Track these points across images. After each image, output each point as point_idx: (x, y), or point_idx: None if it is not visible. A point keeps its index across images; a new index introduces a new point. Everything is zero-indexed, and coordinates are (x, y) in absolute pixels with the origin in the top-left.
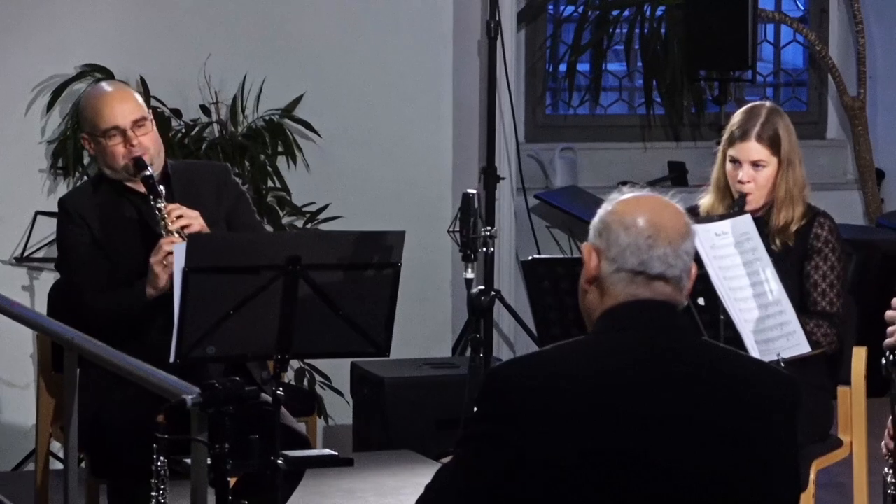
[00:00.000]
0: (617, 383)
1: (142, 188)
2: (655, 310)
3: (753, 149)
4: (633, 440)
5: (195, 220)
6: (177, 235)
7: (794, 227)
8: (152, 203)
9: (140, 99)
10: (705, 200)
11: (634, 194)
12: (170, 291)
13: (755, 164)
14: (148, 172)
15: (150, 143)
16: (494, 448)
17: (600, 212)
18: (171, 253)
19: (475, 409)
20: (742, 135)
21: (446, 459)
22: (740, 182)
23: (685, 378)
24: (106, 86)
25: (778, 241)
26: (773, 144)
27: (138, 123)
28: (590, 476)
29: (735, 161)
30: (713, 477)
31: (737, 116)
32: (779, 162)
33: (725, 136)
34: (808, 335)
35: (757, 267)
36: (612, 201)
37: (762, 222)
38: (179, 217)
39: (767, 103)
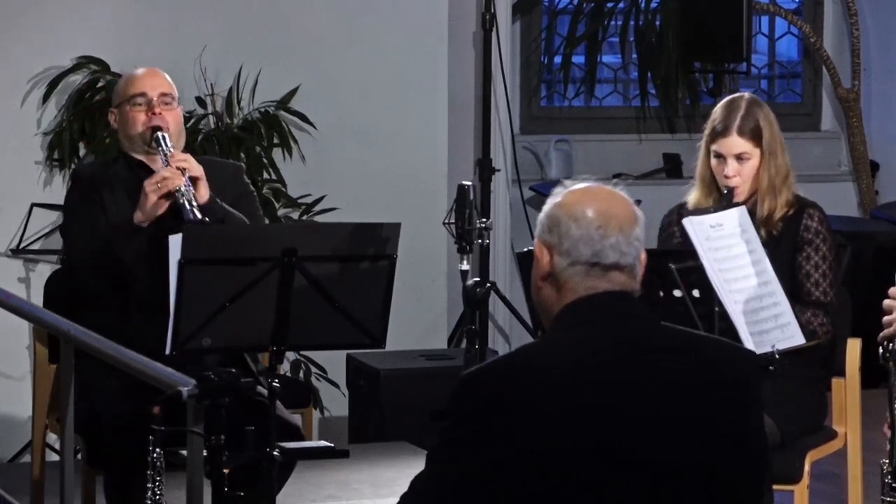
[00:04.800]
0: (595, 377)
1: (157, 165)
2: (616, 300)
3: (736, 143)
4: (613, 433)
5: (197, 169)
6: (175, 169)
7: (777, 216)
8: (161, 155)
9: (173, 84)
10: (692, 196)
11: (580, 186)
12: (167, 284)
13: (739, 158)
14: (162, 133)
15: (171, 121)
16: (473, 450)
17: (546, 207)
18: (166, 178)
19: (447, 417)
20: (723, 130)
21: None
22: (726, 177)
23: (653, 367)
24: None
25: (763, 231)
26: (755, 136)
27: (164, 99)
28: (570, 471)
29: (719, 156)
30: (694, 462)
31: (717, 112)
32: (761, 153)
33: (707, 131)
34: (805, 325)
35: (751, 259)
36: (558, 195)
37: (750, 213)
38: (184, 161)
39: (746, 94)
